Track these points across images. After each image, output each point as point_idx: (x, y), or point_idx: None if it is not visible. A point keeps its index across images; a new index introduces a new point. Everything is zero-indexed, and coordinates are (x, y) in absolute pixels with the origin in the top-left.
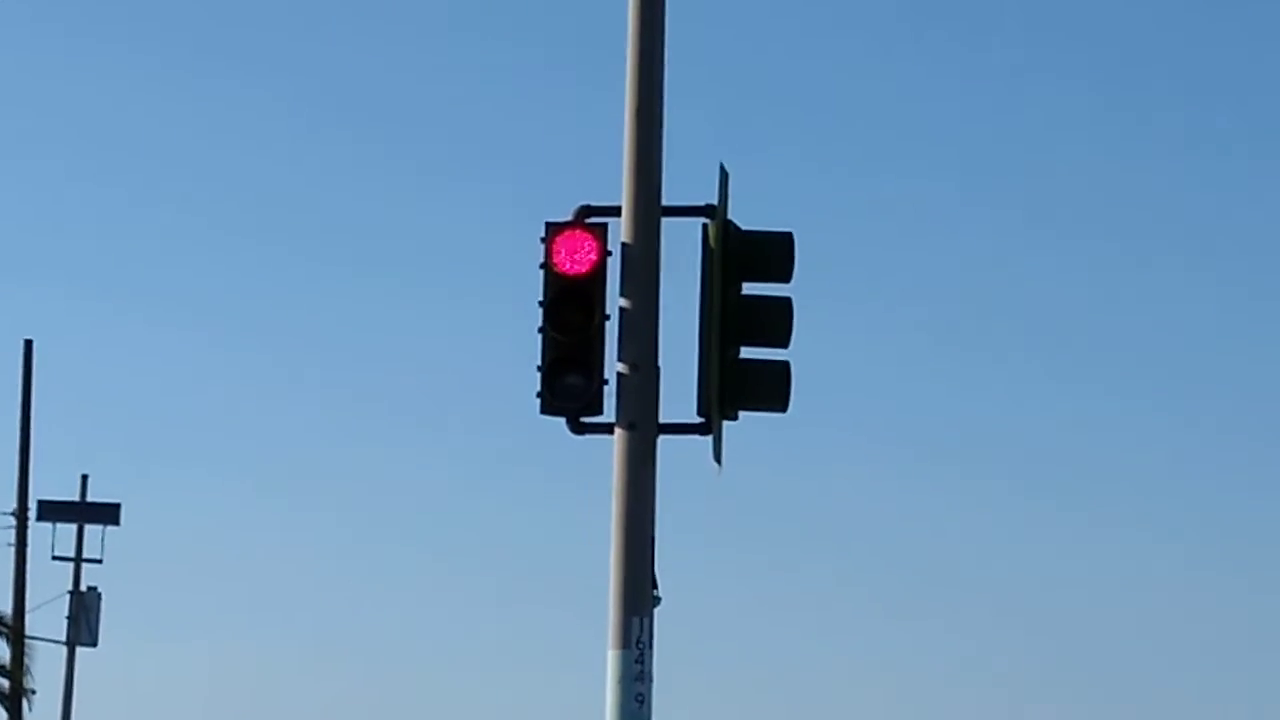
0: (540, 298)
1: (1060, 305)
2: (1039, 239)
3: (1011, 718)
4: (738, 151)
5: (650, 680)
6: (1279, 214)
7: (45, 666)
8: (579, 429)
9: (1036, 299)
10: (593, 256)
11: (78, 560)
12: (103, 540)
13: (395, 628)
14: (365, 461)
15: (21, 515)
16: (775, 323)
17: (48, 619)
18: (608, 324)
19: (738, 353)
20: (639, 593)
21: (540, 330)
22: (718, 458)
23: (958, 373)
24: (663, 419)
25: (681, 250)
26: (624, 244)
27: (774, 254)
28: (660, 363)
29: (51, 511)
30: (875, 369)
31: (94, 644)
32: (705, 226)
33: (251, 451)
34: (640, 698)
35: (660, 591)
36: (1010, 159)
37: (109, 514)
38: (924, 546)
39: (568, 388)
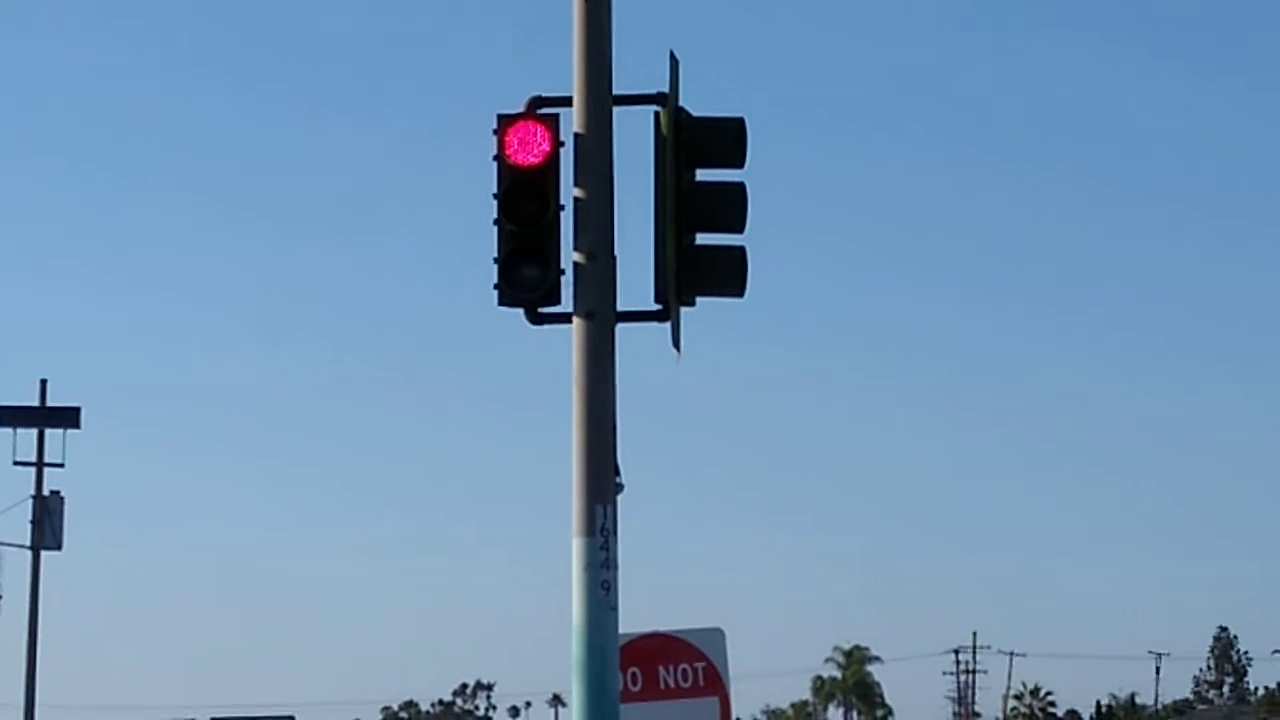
0: (495, 190)
1: (1008, 208)
2: (982, 137)
3: (967, 581)
4: (688, 39)
5: (616, 567)
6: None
7: (10, 571)
8: (537, 319)
9: (984, 191)
10: (545, 147)
11: (39, 465)
12: (64, 444)
13: (362, 520)
14: (324, 361)
15: None
16: (730, 208)
17: (11, 524)
18: (563, 214)
19: (693, 239)
20: (602, 481)
21: (496, 222)
22: (676, 344)
23: (909, 256)
24: (620, 307)
25: (635, 139)
26: (576, 134)
27: (726, 140)
28: (616, 251)
29: (11, 417)
30: (829, 252)
31: (58, 547)
32: (657, 114)
33: (207, 354)
34: (606, 584)
35: (623, 479)
36: (959, 60)
37: (69, 418)
38: (883, 433)
39: (525, 279)
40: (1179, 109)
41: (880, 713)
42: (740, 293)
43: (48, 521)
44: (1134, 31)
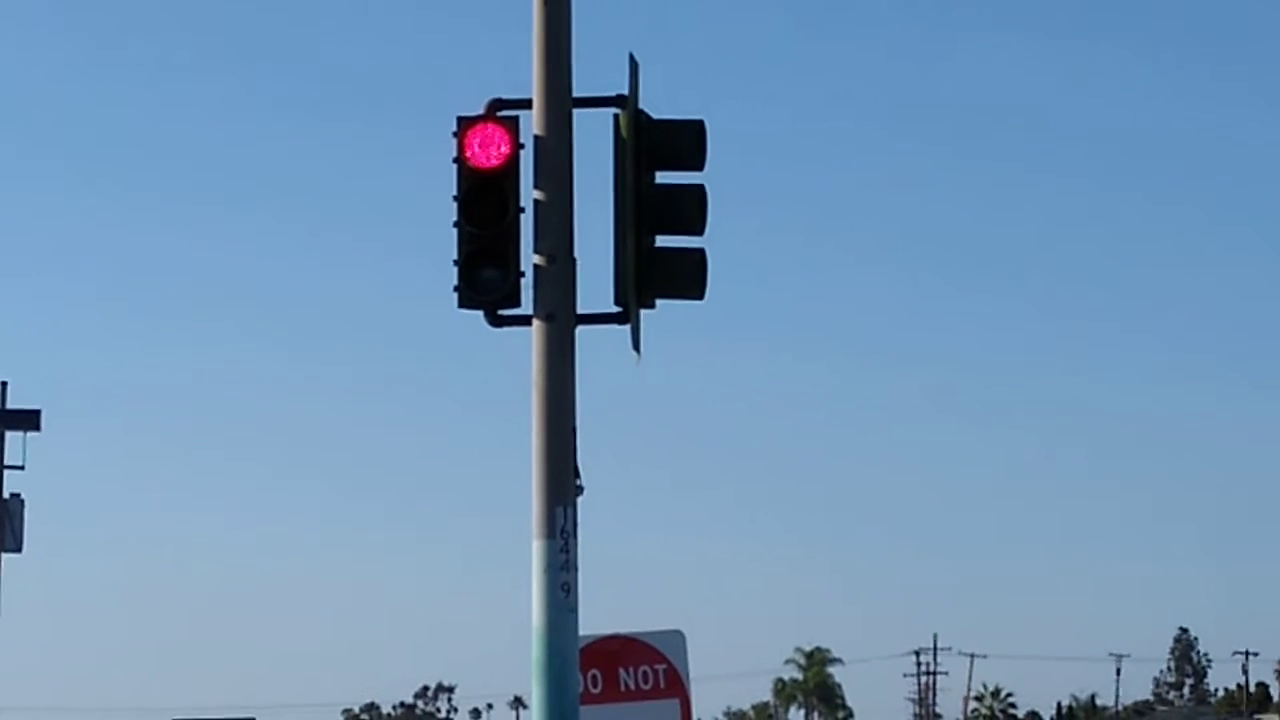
0: (454, 192)
1: (970, 205)
2: (947, 136)
3: (928, 583)
4: (647, 42)
5: (576, 569)
6: None
7: None
8: (497, 321)
9: (945, 194)
10: (505, 149)
11: None
12: (24, 446)
13: (318, 522)
14: (282, 363)
15: None
16: (689, 210)
17: None
18: (523, 216)
19: (653, 241)
20: (562, 483)
21: (455, 224)
22: (636, 346)
23: (871, 259)
24: (580, 309)
25: (594, 141)
26: (536, 136)
27: (686, 142)
28: (576, 254)
29: None
30: (788, 255)
31: (18, 549)
32: (617, 117)
33: (168, 355)
34: (566, 587)
35: (583, 481)
36: (922, 54)
37: (29, 420)
38: (843, 432)
39: (485, 281)
40: (1148, 102)
41: (841, 714)
42: (700, 295)
43: (8, 524)
44: (1100, 26)
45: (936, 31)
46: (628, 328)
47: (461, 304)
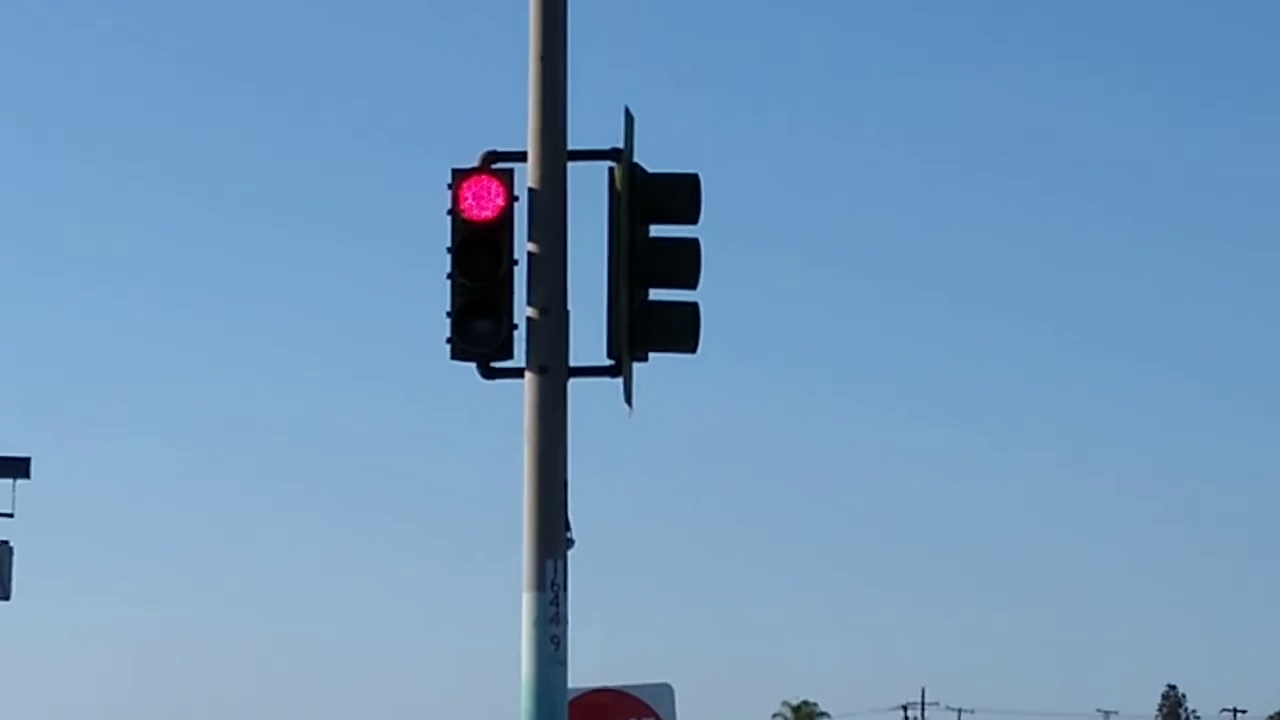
0: (448, 244)
1: (978, 244)
2: (950, 178)
3: (912, 644)
4: (644, 96)
5: (565, 622)
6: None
7: None
8: (490, 374)
9: (944, 235)
10: (500, 202)
11: None
12: (13, 494)
13: (310, 575)
14: (277, 412)
15: None
16: (683, 264)
17: None
18: (516, 269)
19: (646, 295)
20: (552, 536)
21: (449, 276)
22: (629, 399)
23: (863, 311)
24: (573, 362)
25: (589, 194)
26: (531, 188)
27: (680, 196)
28: (570, 306)
29: None
30: (783, 309)
31: (6, 598)
32: (611, 170)
33: (158, 403)
34: (556, 640)
35: (574, 534)
36: (910, 99)
37: (19, 468)
38: (831, 485)
39: (478, 333)
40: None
41: None
42: (693, 349)
43: None
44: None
45: (950, 78)
46: (620, 381)
47: (454, 356)
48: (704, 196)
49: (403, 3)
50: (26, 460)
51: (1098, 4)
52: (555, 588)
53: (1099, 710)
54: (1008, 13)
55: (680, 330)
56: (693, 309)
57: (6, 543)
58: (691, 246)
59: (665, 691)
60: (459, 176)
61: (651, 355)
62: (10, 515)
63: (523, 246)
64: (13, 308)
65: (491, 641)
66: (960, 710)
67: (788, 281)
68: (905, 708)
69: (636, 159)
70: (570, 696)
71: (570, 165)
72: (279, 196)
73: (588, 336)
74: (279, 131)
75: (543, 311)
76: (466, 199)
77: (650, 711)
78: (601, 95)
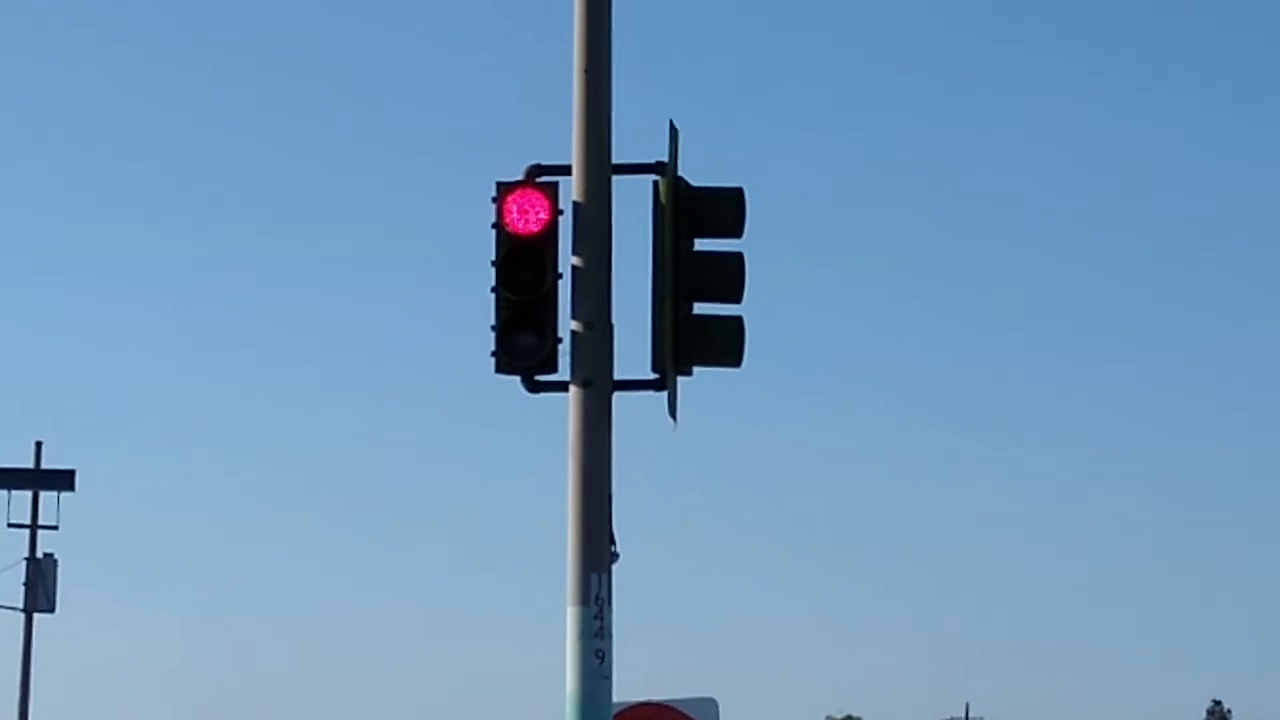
0: (493, 257)
1: (1017, 258)
2: (992, 193)
3: (957, 659)
4: (688, 109)
5: (610, 636)
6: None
7: (3, 633)
8: (534, 387)
9: (991, 252)
10: (544, 215)
11: (33, 527)
12: (58, 506)
13: (354, 587)
14: (322, 424)
15: None
16: (727, 278)
17: (5, 586)
18: (561, 282)
19: (691, 308)
20: (597, 549)
21: (493, 290)
22: (673, 413)
23: (910, 325)
24: (617, 376)
25: (633, 208)
26: (575, 202)
27: (725, 210)
28: (614, 320)
29: (6, 479)
30: (827, 322)
31: (51, 610)
32: (656, 184)
33: (204, 416)
34: (600, 653)
35: (618, 548)
36: (958, 116)
37: (64, 480)
38: (877, 499)
39: (522, 347)
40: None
41: None
42: (737, 363)
43: (41, 584)
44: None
45: (996, 95)
46: (664, 394)
47: (499, 369)
48: (748, 210)
49: (448, 17)
50: (71, 473)
51: (1174, 34)
52: (600, 601)
53: None
54: (1065, 32)
55: (724, 344)
56: (737, 323)
57: (50, 555)
58: (735, 260)
59: (709, 706)
60: (504, 190)
61: (696, 369)
62: (55, 527)
63: (567, 260)
64: (59, 322)
65: (536, 656)
66: None
67: (832, 295)
68: None
69: (681, 172)
70: (615, 711)
71: (615, 179)
72: (324, 211)
73: (632, 350)
74: (325, 146)
75: (587, 325)
76: (511, 213)
77: None
78: (646, 109)
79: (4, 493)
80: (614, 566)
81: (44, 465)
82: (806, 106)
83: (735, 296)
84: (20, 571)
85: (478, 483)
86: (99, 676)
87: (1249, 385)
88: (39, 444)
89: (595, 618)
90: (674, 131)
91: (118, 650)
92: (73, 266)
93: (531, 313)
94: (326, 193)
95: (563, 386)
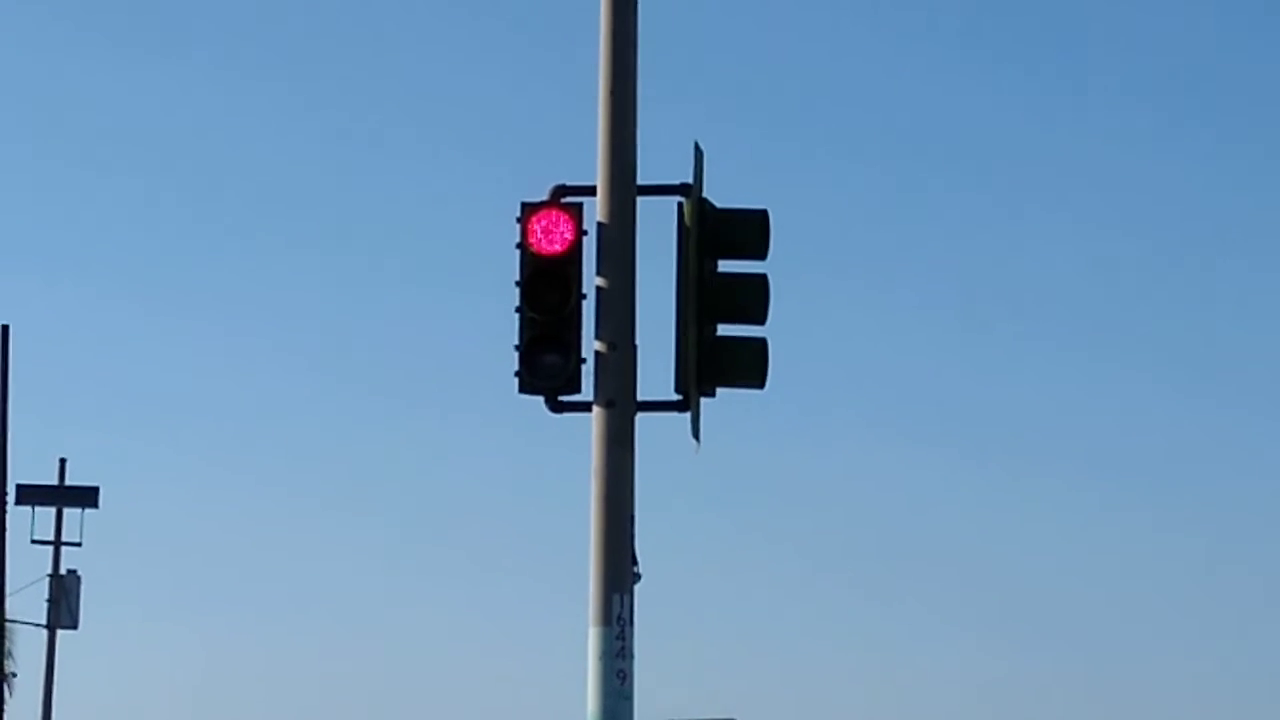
0: (517, 277)
1: (1044, 282)
2: (1017, 215)
3: (987, 693)
4: (713, 131)
5: (631, 657)
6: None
7: (26, 650)
8: (557, 407)
9: (1017, 275)
10: (569, 236)
11: (57, 544)
12: (81, 523)
13: (376, 607)
14: (344, 442)
15: (0, 499)
16: (752, 300)
17: (28, 603)
18: (585, 303)
19: (715, 330)
20: (619, 570)
21: (517, 310)
22: (696, 435)
23: (935, 348)
24: (641, 397)
25: (657, 229)
26: (600, 223)
27: (749, 231)
28: (637, 341)
29: (30, 495)
30: (852, 345)
31: (74, 627)
32: (681, 205)
33: (229, 433)
34: (622, 674)
35: (640, 568)
36: (983, 138)
37: (88, 497)
38: (902, 524)
39: (546, 366)
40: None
41: None
42: (761, 384)
43: (64, 600)
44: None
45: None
46: (688, 415)
47: (522, 389)
48: (773, 232)
49: (473, 36)
50: (95, 490)
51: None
52: (621, 622)
53: None
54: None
55: (748, 366)
56: (761, 344)
57: (74, 571)
58: (760, 282)
59: None
60: (528, 210)
61: (719, 390)
62: (78, 544)
63: (591, 281)
64: (84, 337)
65: (557, 676)
66: None
67: (858, 317)
68: None
69: (706, 194)
70: None
71: (639, 200)
72: (350, 229)
73: (655, 371)
74: (352, 166)
75: (611, 346)
76: (535, 233)
77: None
78: (671, 130)
79: (28, 509)
80: (636, 587)
81: (68, 482)
82: (833, 128)
83: (759, 318)
84: (44, 588)
85: (500, 502)
86: (122, 693)
87: None
88: (63, 461)
89: (617, 638)
90: (699, 153)
91: (141, 667)
92: (97, 280)
93: (555, 333)
94: (353, 211)
95: (586, 407)
